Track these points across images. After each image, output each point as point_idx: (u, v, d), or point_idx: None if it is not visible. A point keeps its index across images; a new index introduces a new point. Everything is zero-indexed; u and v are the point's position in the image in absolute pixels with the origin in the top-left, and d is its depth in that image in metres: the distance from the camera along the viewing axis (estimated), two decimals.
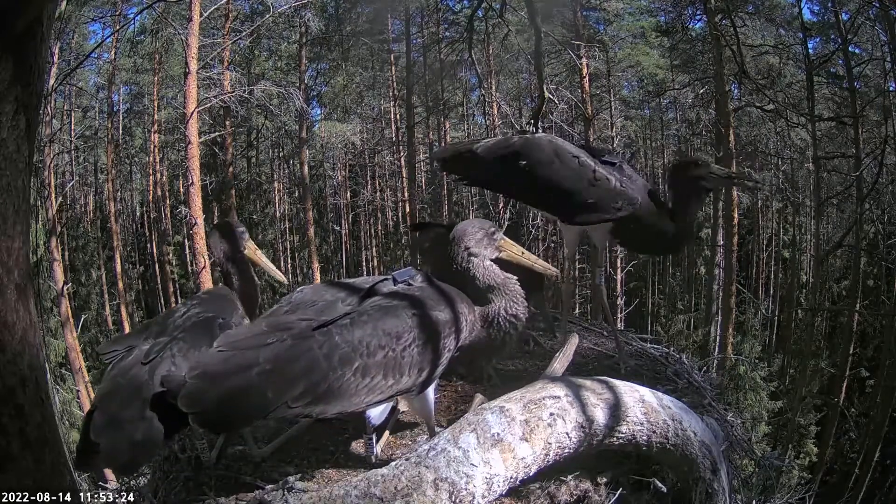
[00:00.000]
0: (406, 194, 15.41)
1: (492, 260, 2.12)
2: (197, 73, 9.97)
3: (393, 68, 15.38)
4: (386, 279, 2.02)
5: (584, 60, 12.52)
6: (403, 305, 1.89)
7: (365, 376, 1.79)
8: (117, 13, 12.42)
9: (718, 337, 12.16)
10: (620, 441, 1.96)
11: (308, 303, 1.92)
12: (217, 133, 13.26)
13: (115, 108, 14.38)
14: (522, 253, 2.23)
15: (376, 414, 1.98)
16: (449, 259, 2.17)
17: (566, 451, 1.86)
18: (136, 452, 1.85)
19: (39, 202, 10.84)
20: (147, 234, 16.12)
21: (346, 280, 2.09)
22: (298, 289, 2.10)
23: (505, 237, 2.19)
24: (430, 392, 2.06)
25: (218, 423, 1.77)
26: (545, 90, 6.36)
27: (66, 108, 13.58)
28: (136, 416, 1.85)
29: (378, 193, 16.68)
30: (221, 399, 1.66)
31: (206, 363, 1.72)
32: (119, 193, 15.24)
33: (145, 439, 1.84)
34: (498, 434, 1.75)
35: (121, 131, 14.84)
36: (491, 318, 2.05)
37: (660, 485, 2.04)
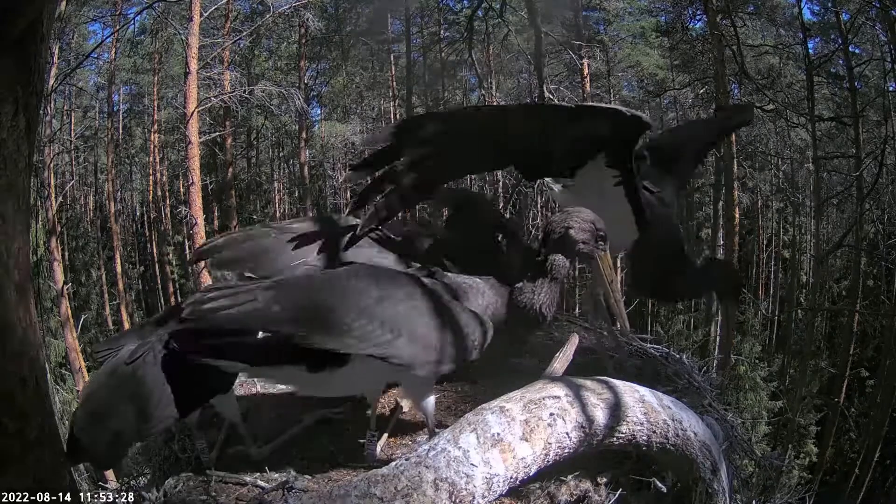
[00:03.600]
0: None
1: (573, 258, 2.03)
2: (197, 73, 9.98)
3: (393, 68, 15.38)
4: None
5: (584, 61, 12.53)
6: (417, 282, 1.89)
7: (360, 315, 1.72)
8: (117, 13, 12.42)
9: (718, 337, 12.16)
10: (620, 441, 1.96)
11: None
12: (217, 133, 13.26)
13: (115, 108, 14.39)
14: (612, 280, 2.06)
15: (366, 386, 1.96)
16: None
17: (566, 451, 1.86)
18: (114, 447, 1.88)
19: (39, 202, 10.85)
20: (147, 234, 16.12)
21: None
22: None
23: (608, 252, 2.04)
24: (430, 395, 2.05)
25: (199, 347, 1.75)
26: (545, 90, 6.37)
27: (66, 108, 13.59)
28: (115, 412, 1.88)
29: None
30: (212, 322, 1.65)
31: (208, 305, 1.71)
32: (119, 193, 15.24)
33: (124, 435, 1.88)
34: (498, 434, 1.75)
35: (121, 131, 14.84)
36: (526, 307, 1.99)
37: (660, 485, 2.04)
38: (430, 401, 2.07)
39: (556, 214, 2.07)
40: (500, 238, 2.22)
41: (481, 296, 2.00)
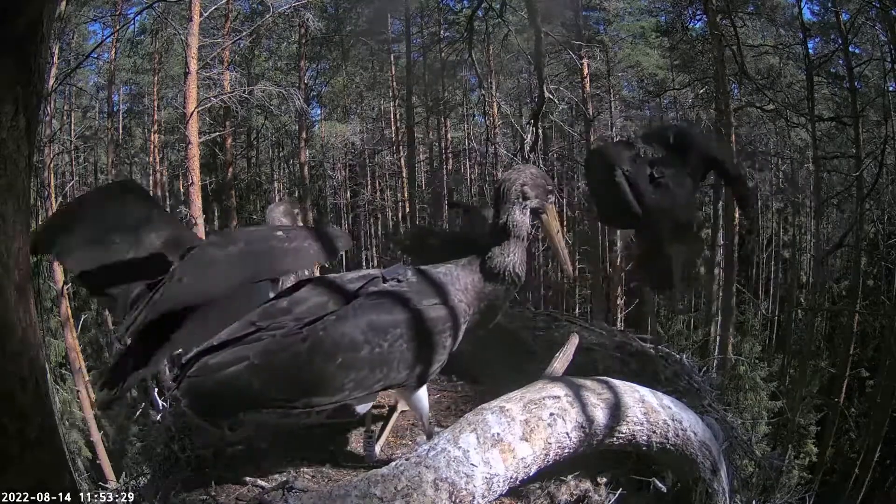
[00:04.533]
0: (406, 194, 15.40)
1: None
2: (197, 73, 9.97)
3: (393, 68, 15.37)
4: (375, 278, 2.01)
5: (584, 61, 12.52)
6: (391, 301, 1.92)
7: (350, 370, 1.83)
8: (117, 13, 12.41)
9: (718, 337, 12.16)
10: (620, 441, 1.96)
11: (302, 300, 1.94)
12: (217, 133, 13.25)
13: (115, 108, 14.37)
14: (557, 231, 2.14)
15: (364, 407, 2.05)
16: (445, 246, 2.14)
17: (566, 451, 1.86)
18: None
19: (39, 202, 10.84)
20: None
21: (341, 276, 2.08)
22: (295, 283, 2.15)
23: (555, 206, 2.13)
24: (424, 391, 2.07)
25: (209, 411, 1.90)
26: (545, 90, 6.35)
27: (66, 108, 13.56)
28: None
29: (378, 193, 16.67)
30: (214, 388, 1.78)
31: (206, 358, 1.83)
32: None
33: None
34: (498, 434, 1.76)
35: (121, 131, 14.83)
36: (499, 271, 2.03)
37: (660, 485, 2.04)
38: (425, 402, 2.09)
39: (506, 172, 2.13)
40: (460, 217, 2.30)
41: (458, 280, 2.03)
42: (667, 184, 2.53)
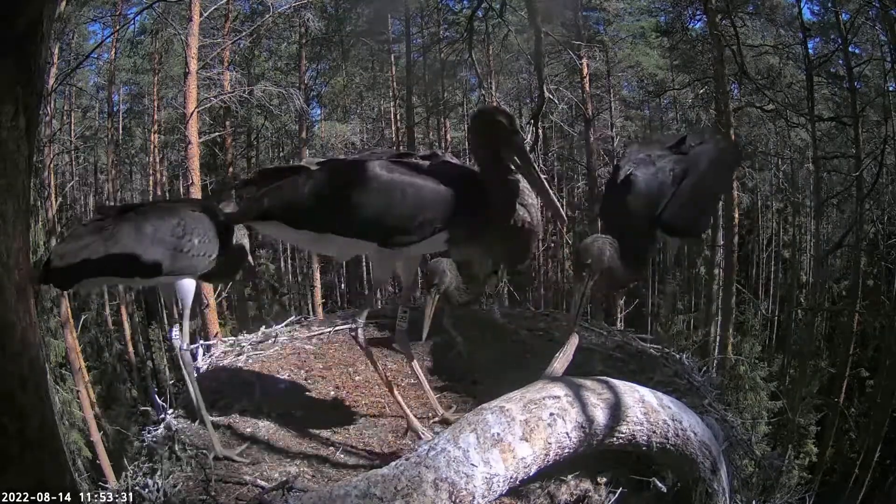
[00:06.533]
0: None
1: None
2: (197, 73, 9.96)
3: (393, 68, 15.37)
4: None
5: (584, 61, 12.52)
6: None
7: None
8: (117, 13, 12.40)
9: (718, 337, 12.15)
10: (620, 441, 1.96)
11: None
12: (217, 133, 13.24)
13: (115, 108, 14.38)
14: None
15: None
16: None
17: (566, 451, 1.86)
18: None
19: (39, 202, 10.83)
20: None
21: None
22: None
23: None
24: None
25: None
26: (545, 90, 6.35)
27: (66, 108, 13.57)
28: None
29: None
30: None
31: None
32: (119, 193, 15.21)
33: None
34: (498, 434, 1.76)
35: (121, 131, 14.83)
36: None
37: (660, 485, 2.04)
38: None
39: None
40: None
41: None
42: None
